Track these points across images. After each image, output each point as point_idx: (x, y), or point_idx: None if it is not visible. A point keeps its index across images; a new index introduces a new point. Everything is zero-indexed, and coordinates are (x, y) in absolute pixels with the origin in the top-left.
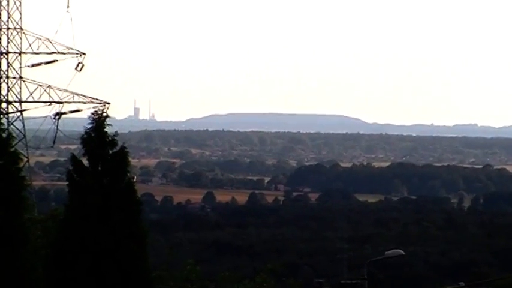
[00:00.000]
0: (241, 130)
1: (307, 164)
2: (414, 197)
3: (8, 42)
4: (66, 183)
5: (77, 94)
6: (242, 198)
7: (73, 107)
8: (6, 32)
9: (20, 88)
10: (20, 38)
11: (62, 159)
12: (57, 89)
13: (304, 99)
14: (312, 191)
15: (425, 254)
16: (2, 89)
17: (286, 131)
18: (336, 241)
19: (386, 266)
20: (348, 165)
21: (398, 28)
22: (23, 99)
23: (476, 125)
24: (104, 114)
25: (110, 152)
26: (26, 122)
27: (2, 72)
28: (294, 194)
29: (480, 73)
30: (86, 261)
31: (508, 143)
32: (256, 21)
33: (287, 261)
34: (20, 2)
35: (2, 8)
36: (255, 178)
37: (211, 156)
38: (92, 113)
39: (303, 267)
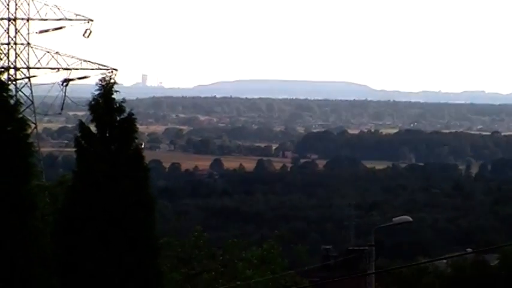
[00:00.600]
0: (249, 97)
1: (314, 130)
2: (422, 164)
3: (16, 9)
4: (74, 149)
5: (84, 60)
6: (250, 165)
7: (81, 73)
8: None
9: (28, 54)
10: (28, 4)
11: (70, 125)
12: (65, 55)
13: (312, 65)
14: (320, 158)
15: (432, 221)
16: (10, 55)
17: (294, 97)
18: (344, 208)
19: (393, 233)
20: (356, 132)
21: None
22: (31, 65)
23: (483, 91)
24: (112, 80)
25: (118, 118)
26: (34, 88)
27: (10, 39)
28: (302, 161)
29: (488, 40)
30: (94, 227)
31: None
32: None
33: (294, 227)
34: None
35: None
36: (262, 145)
37: (219, 123)
38: (100, 80)
39: (310, 234)
